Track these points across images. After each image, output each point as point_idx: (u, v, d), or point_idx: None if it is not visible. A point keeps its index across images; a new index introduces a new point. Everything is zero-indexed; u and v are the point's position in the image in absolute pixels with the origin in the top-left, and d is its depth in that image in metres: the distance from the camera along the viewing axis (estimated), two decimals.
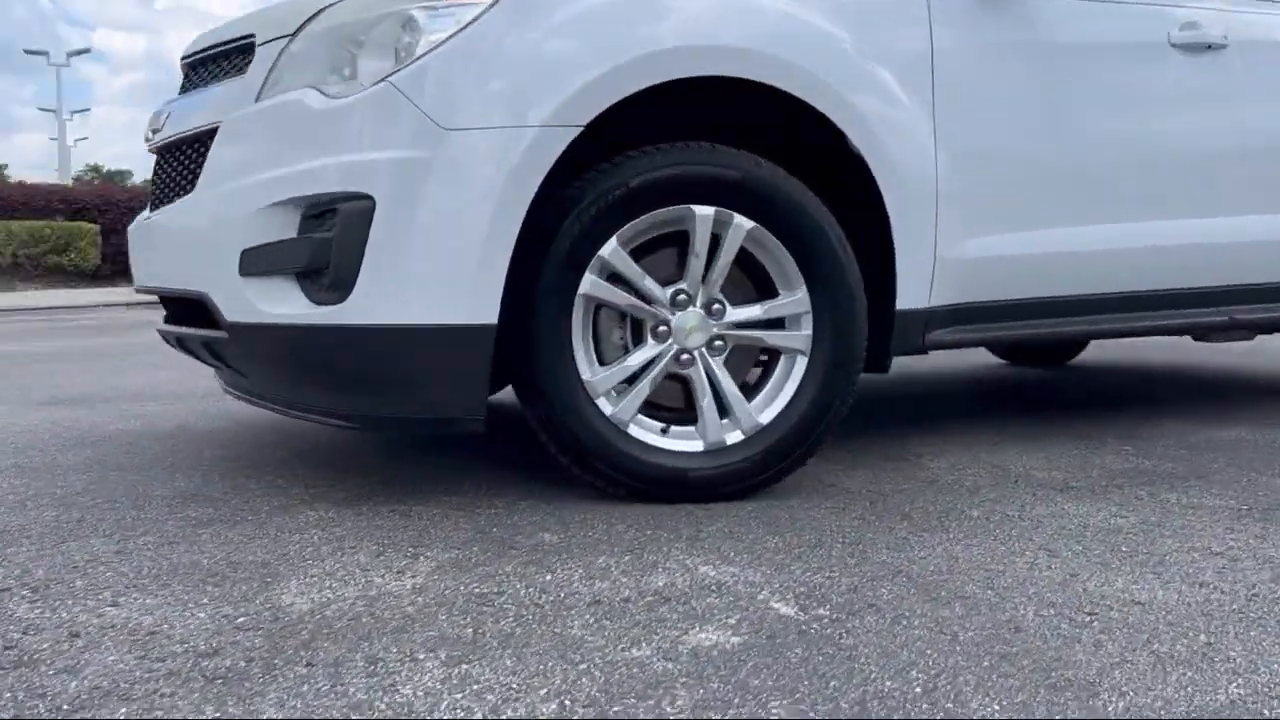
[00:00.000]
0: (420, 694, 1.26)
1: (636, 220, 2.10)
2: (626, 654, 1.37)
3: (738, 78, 2.12)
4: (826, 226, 2.16)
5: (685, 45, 2.10)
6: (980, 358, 4.85)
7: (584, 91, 1.99)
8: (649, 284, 2.12)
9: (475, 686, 1.28)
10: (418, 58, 1.98)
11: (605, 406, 2.11)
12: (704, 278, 2.14)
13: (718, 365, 2.17)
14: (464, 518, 2.06)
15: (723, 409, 2.15)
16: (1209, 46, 2.69)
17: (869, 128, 2.24)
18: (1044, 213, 2.55)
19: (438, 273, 1.97)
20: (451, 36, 1.99)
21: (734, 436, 2.16)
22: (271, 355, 2.11)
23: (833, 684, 1.28)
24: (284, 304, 1.98)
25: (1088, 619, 1.49)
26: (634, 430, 2.13)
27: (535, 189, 1.97)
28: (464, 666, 1.34)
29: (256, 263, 1.99)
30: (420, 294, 1.96)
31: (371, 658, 1.37)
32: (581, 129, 2.00)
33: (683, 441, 2.16)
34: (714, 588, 1.63)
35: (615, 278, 2.10)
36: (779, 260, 2.17)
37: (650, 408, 2.17)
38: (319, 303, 1.97)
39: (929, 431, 2.97)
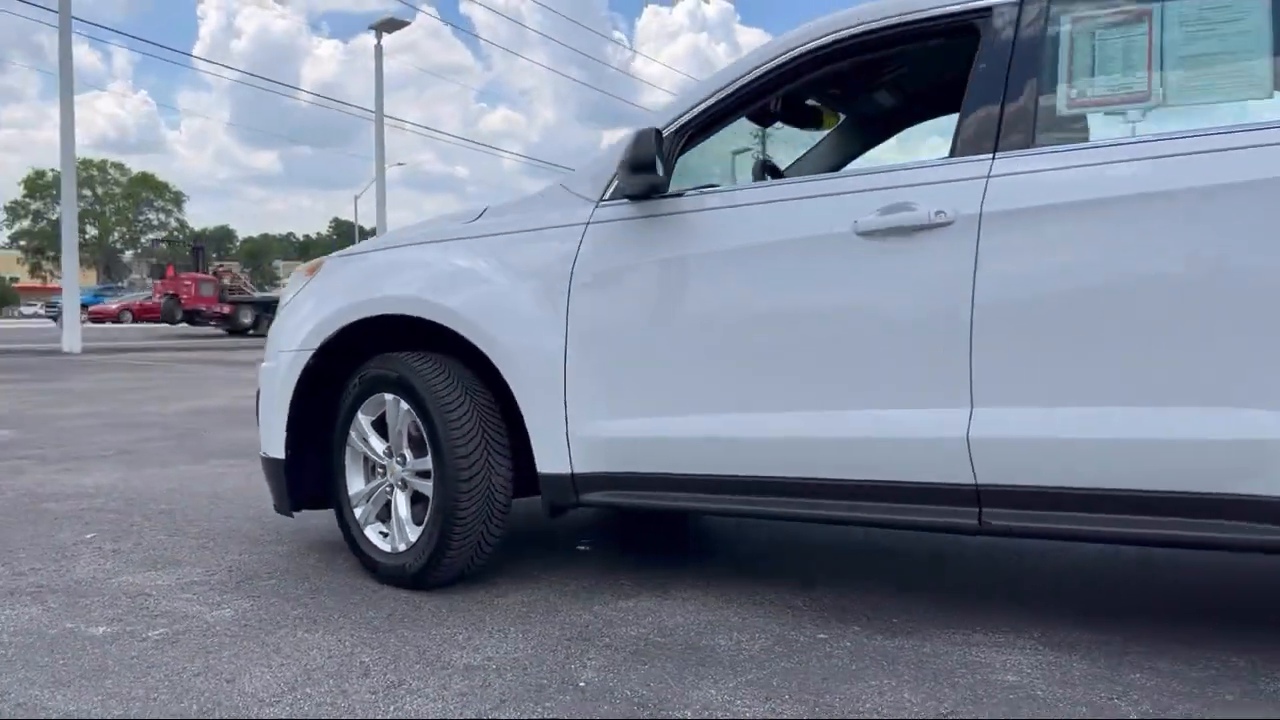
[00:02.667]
0: None
1: (366, 401, 3.24)
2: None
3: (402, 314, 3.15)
4: (442, 412, 3.01)
5: (362, 299, 3.22)
6: None
7: (312, 332, 3.27)
8: (373, 441, 3.24)
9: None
10: (281, 311, 3.47)
11: (357, 512, 3.29)
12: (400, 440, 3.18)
13: (400, 497, 3.17)
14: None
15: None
16: (923, 226, 2.60)
17: (500, 346, 3.01)
18: (694, 400, 2.85)
19: (268, 426, 3.40)
20: (286, 305, 3.43)
21: (402, 545, 3.15)
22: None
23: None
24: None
25: None
26: (368, 531, 3.27)
27: (295, 383, 3.29)
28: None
29: None
30: (265, 438, 3.43)
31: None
32: (314, 351, 3.26)
33: (383, 542, 3.23)
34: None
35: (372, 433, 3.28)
36: (424, 431, 3.08)
37: (378, 519, 3.27)
38: None
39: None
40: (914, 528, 2.68)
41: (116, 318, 40.64)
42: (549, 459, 3.00)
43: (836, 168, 3.91)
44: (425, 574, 3.10)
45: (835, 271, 2.69)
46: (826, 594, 3.08)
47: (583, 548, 3.74)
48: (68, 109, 19.49)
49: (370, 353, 3.31)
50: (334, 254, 3.63)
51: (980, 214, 2.52)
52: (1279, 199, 2.25)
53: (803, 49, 2.87)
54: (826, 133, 4.01)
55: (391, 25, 25.40)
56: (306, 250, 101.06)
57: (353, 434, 3.30)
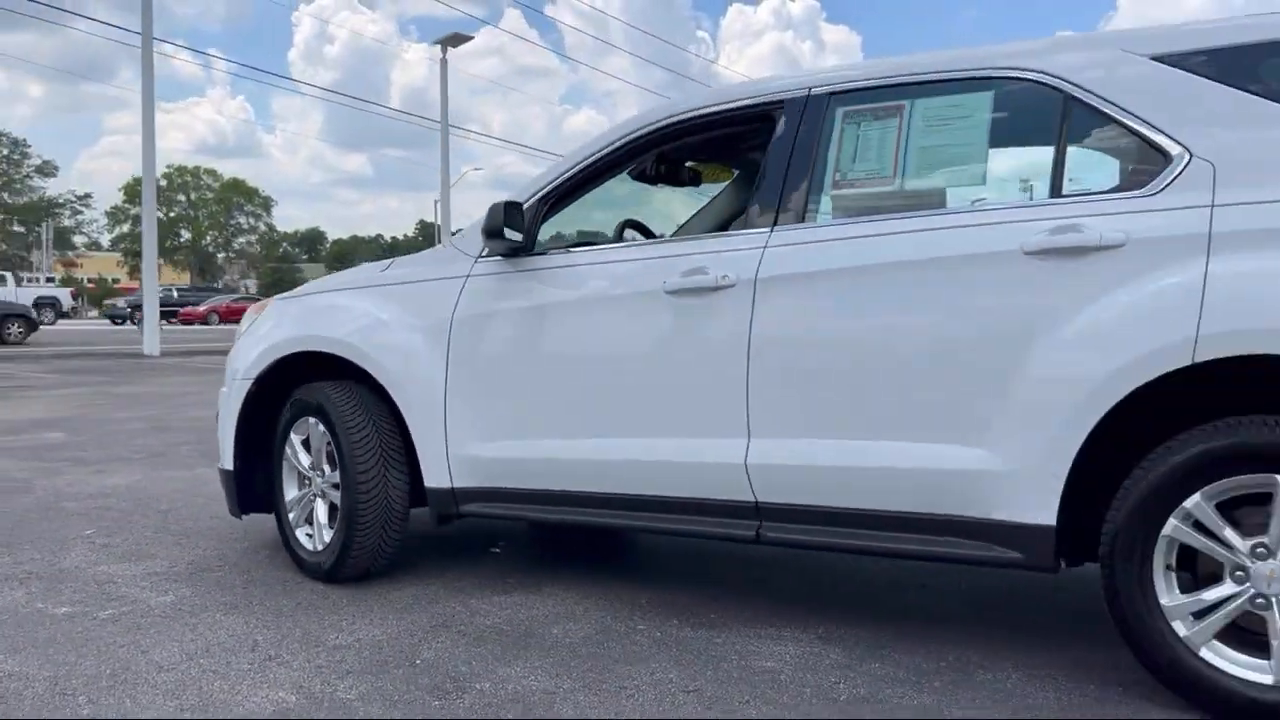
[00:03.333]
0: None
1: (296, 423, 3.86)
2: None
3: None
4: (347, 433, 3.60)
5: (290, 337, 3.82)
6: None
7: (253, 364, 3.91)
8: (302, 457, 3.85)
9: None
10: (235, 342, 4.10)
11: (290, 516, 3.90)
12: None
13: (320, 505, 3.78)
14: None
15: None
16: (714, 288, 3.11)
17: (393, 379, 3.61)
18: (544, 427, 3.40)
19: (222, 441, 4.04)
20: (240, 336, 4.08)
21: (320, 545, 3.75)
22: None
23: None
24: None
25: None
26: (298, 533, 3.87)
27: (240, 406, 3.92)
28: None
29: None
30: (221, 451, 4.06)
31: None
32: (254, 379, 3.88)
33: (309, 542, 3.83)
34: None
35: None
36: (335, 448, 3.68)
37: (306, 522, 3.88)
38: None
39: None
40: (710, 537, 3.20)
41: (204, 319, 42.43)
42: (434, 475, 3.57)
43: (728, 220, 4.40)
44: (335, 570, 3.69)
45: (649, 323, 3.22)
46: (676, 593, 3.60)
47: (495, 550, 4.30)
48: (149, 125, 20.66)
49: (310, 379, 3.91)
50: (278, 296, 4.26)
51: (756, 278, 3.02)
52: (963, 273, 2.74)
53: (635, 134, 3.41)
54: (725, 185, 4.52)
55: (456, 40, 26.33)
56: (393, 251, 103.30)
57: (288, 450, 3.90)
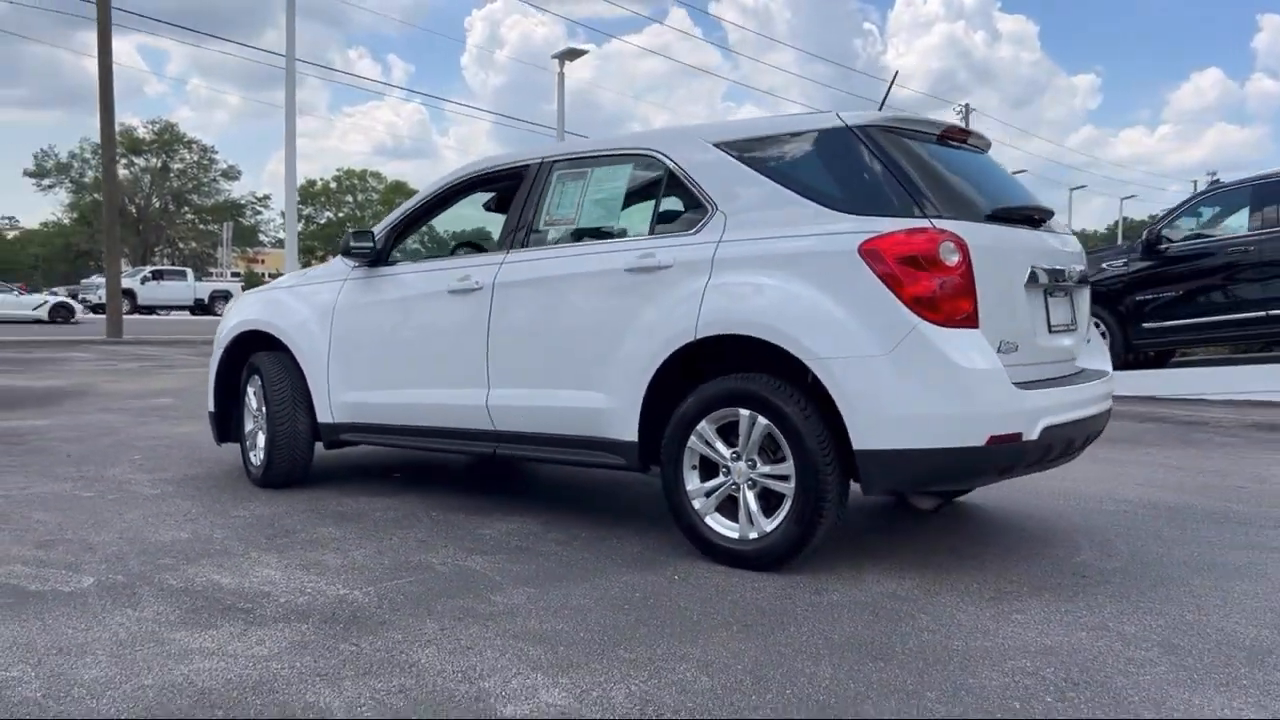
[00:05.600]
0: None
1: (249, 379, 5.67)
2: None
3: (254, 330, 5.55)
4: (269, 385, 5.38)
5: (243, 320, 5.64)
6: None
7: (225, 336, 5.75)
8: (253, 402, 5.67)
9: None
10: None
11: (247, 444, 5.73)
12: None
13: (261, 436, 5.58)
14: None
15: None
16: (472, 290, 4.76)
17: (297, 345, 5.36)
18: (382, 381, 5.10)
19: (208, 392, 5.91)
20: (224, 318, 5.92)
21: (257, 462, 5.55)
22: None
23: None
24: None
25: None
26: (250, 454, 5.69)
27: (217, 365, 5.78)
28: None
29: None
30: (209, 399, 5.93)
31: None
32: (223, 349, 5.72)
33: (254, 459, 5.64)
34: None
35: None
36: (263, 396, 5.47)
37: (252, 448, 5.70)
38: None
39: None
40: (472, 454, 4.86)
41: None
42: (323, 414, 5.33)
43: None
44: (264, 478, 5.49)
45: (438, 313, 4.89)
46: (469, 500, 5.24)
47: (396, 475, 6.02)
48: (291, 136, 23.34)
49: (261, 349, 5.70)
50: (250, 290, 6.10)
51: (494, 284, 4.65)
52: (594, 284, 4.30)
53: (451, 183, 5.09)
54: None
55: (572, 54, 28.33)
56: None
57: (247, 397, 5.71)
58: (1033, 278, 3.95)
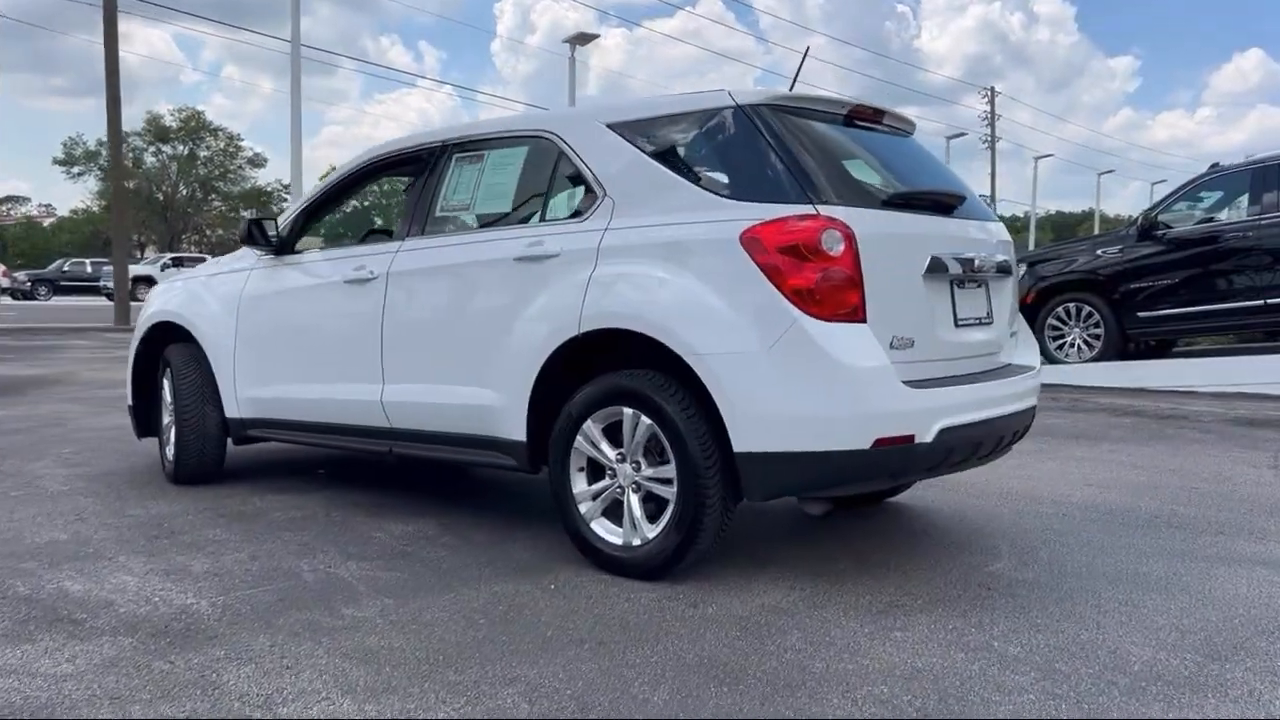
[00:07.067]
0: None
1: (164, 372, 5.49)
2: None
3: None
4: (176, 378, 5.19)
5: (156, 310, 5.45)
6: None
7: (138, 330, 5.53)
8: (167, 395, 5.48)
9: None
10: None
11: (163, 438, 5.55)
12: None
13: (173, 431, 5.39)
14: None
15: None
16: (367, 280, 4.53)
17: (205, 336, 5.16)
18: (285, 375, 4.89)
19: (128, 386, 5.73)
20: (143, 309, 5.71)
21: (171, 457, 5.37)
22: None
23: None
24: None
25: None
26: (166, 449, 5.52)
27: (133, 358, 5.59)
28: None
29: None
30: (129, 392, 5.75)
31: None
32: (139, 341, 5.52)
33: (168, 455, 5.46)
34: None
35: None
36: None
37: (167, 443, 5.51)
38: None
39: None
40: (370, 454, 4.63)
41: None
42: (230, 409, 5.14)
43: None
44: (174, 475, 5.32)
45: (334, 304, 4.67)
46: (372, 497, 5.03)
47: (321, 471, 5.82)
48: (296, 124, 23.22)
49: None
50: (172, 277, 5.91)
51: (388, 274, 4.43)
52: (483, 274, 4.07)
53: (356, 167, 4.87)
54: None
55: (583, 39, 28.04)
56: None
57: (163, 391, 5.53)
58: (936, 267, 3.67)
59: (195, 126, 71.53)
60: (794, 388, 3.34)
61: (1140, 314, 10.36)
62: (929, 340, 3.63)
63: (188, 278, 5.70)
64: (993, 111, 54.61)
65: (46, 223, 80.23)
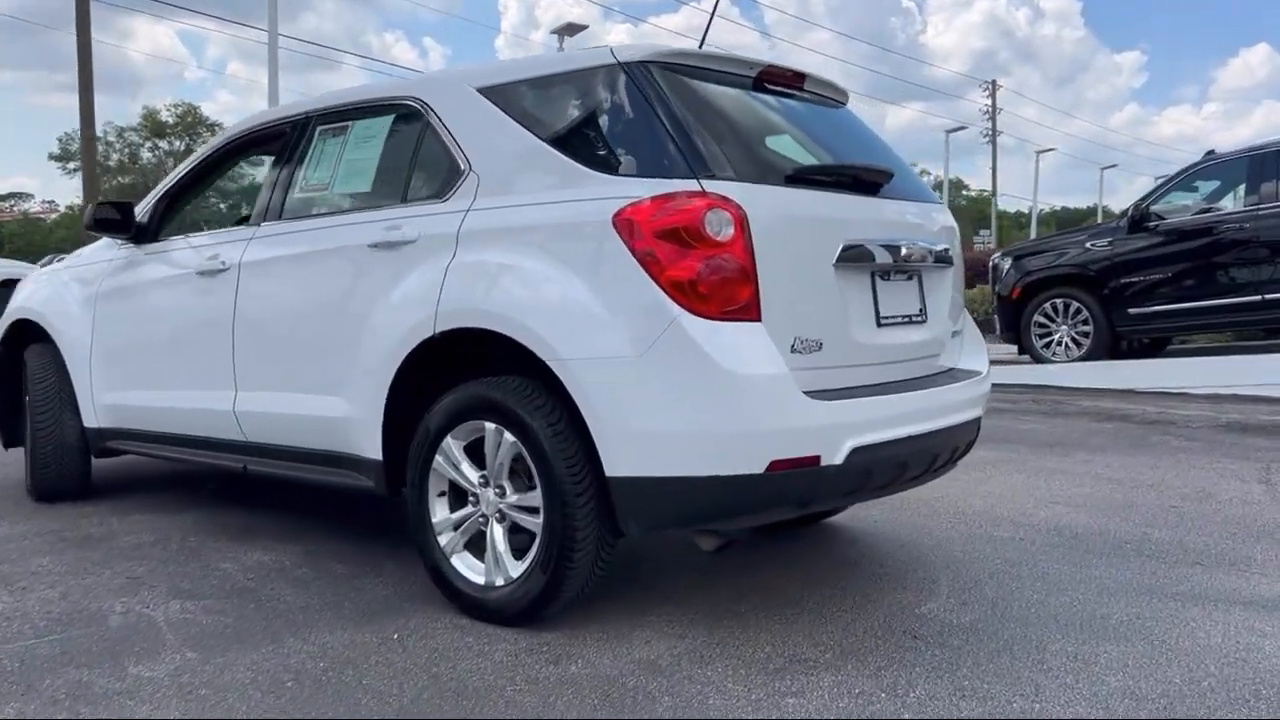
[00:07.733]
0: None
1: (25, 373, 4.91)
2: None
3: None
4: (32, 383, 4.64)
5: (16, 307, 4.86)
6: None
7: (5, 319, 4.95)
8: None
9: None
10: None
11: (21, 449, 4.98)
12: None
13: (29, 441, 4.82)
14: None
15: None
16: (219, 270, 3.95)
17: (61, 336, 4.59)
18: (140, 380, 4.32)
19: None
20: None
21: (28, 470, 4.80)
22: None
23: None
24: None
25: None
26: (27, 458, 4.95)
27: None
28: None
29: None
30: None
31: None
32: (2, 335, 4.95)
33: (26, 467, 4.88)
34: None
35: None
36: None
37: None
38: None
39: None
40: (226, 470, 4.06)
41: None
42: (88, 417, 4.57)
43: None
44: (33, 488, 4.77)
45: (187, 300, 4.10)
46: (244, 519, 4.47)
47: (210, 487, 5.26)
48: None
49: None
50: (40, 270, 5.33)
51: (240, 264, 3.85)
52: (334, 263, 3.50)
53: (221, 144, 4.30)
54: None
55: (571, 30, 27.44)
56: None
57: (25, 398, 4.96)
58: (853, 256, 3.08)
59: (192, 122, 70.89)
60: (673, 400, 2.76)
61: (1131, 310, 9.76)
62: (841, 342, 3.04)
63: (50, 271, 5.13)
64: (994, 105, 53.82)
65: (51, 219, 79.73)
